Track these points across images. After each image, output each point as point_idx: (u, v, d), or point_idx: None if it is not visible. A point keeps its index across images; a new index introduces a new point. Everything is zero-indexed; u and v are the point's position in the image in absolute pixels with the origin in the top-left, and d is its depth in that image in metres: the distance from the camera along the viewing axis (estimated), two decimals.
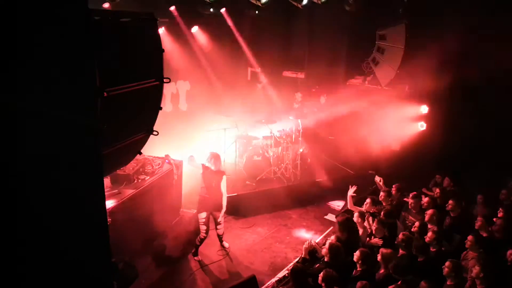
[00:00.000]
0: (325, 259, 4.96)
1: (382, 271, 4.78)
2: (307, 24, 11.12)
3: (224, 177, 6.37)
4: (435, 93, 8.19)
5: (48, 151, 1.51)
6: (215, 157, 6.27)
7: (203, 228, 6.34)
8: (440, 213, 6.05)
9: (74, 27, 1.54)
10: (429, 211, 5.89)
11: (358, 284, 4.20)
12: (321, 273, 4.32)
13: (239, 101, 10.65)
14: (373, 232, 5.66)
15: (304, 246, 5.31)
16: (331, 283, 4.27)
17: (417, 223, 5.59)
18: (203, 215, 6.31)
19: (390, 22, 8.82)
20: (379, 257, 4.80)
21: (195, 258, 6.55)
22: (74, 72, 1.57)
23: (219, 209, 6.36)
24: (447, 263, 4.45)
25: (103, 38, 1.97)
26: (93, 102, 1.72)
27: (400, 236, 5.21)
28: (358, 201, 7.15)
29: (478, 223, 5.41)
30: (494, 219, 5.74)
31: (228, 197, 7.78)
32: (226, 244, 6.85)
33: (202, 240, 6.47)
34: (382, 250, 4.83)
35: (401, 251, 5.10)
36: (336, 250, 4.90)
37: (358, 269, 4.76)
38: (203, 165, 6.24)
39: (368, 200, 6.43)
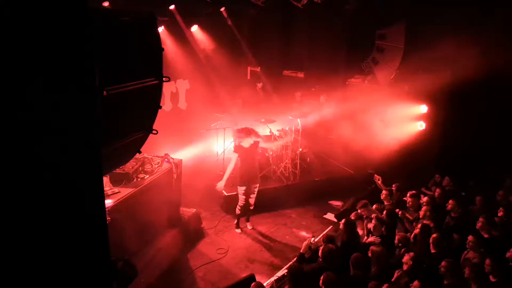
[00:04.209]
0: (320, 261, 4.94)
1: (373, 269, 4.76)
2: (307, 24, 11.11)
3: (259, 147, 6.92)
4: (435, 93, 8.19)
5: (47, 151, 1.51)
6: (245, 133, 6.73)
7: (242, 198, 7.09)
8: (440, 213, 6.05)
9: (73, 26, 1.54)
10: (424, 207, 5.89)
11: None
12: (322, 276, 4.30)
13: (238, 100, 10.65)
14: (371, 230, 5.67)
15: (305, 242, 5.31)
16: (331, 286, 4.25)
17: (419, 225, 5.57)
18: (242, 188, 7.02)
19: (390, 22, 8.82)
20: (369, 253, 4.80)
21: (237, 230, 7.30)
22: (73, 71, 1.57)
23: (255, 181, 7.07)
24: (443, 263, 4.47)
25: (102, 37, 1.97)
26: (92, 101, 1.72)
27: (397, 237, 5.21)
28: (355, 202, 7.16)
29: (479, 224, 5.40)
30: (496, 218, 5.74)
31: (226, 196, 7.83)
32: (249, 227, 7.38)
33: (242, 208, 7.15)
34: (373, 247, 4.82)
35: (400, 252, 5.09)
36: (328, 253, 4.80)
37: (351, 273, 4.69)
38: (235, 146, 6.56)
39: (374, 205, 6.42)
